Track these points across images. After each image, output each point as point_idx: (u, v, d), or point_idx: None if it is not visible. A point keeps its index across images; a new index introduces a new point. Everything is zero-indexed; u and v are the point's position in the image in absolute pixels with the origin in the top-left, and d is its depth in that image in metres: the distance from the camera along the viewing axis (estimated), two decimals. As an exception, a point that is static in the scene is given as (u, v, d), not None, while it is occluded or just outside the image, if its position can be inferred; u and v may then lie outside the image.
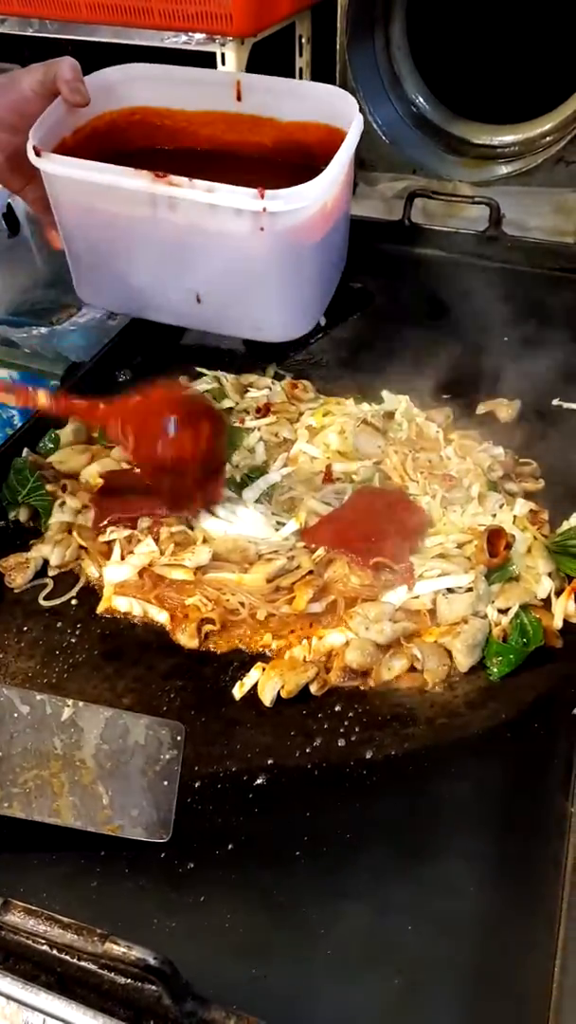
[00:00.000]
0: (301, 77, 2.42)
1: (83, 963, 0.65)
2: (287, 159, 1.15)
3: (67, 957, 0.65)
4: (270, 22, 2.11)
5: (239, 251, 1.13)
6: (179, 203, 1.10)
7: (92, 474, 1.15)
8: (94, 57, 2.48)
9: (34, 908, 0.65)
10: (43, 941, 0.65)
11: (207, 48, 2.08)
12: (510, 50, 1.72)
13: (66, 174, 1.15)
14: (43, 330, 2.38)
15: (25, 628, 1.01)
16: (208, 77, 1.43)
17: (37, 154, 1.15)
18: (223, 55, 2.06)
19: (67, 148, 1.23)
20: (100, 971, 0.65)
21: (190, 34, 2.07)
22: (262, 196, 1.06)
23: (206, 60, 2.11)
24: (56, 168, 1.15)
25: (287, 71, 2.39)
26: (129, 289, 1.29)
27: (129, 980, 0.64)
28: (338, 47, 1.74)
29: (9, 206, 2.16)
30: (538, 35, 1.70)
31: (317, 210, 1.13)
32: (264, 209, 1.06)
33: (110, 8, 2.06)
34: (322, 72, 2.12)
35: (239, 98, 1.42)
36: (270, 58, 2.22)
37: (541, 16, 1.68)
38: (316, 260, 1.21)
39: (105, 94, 1.34)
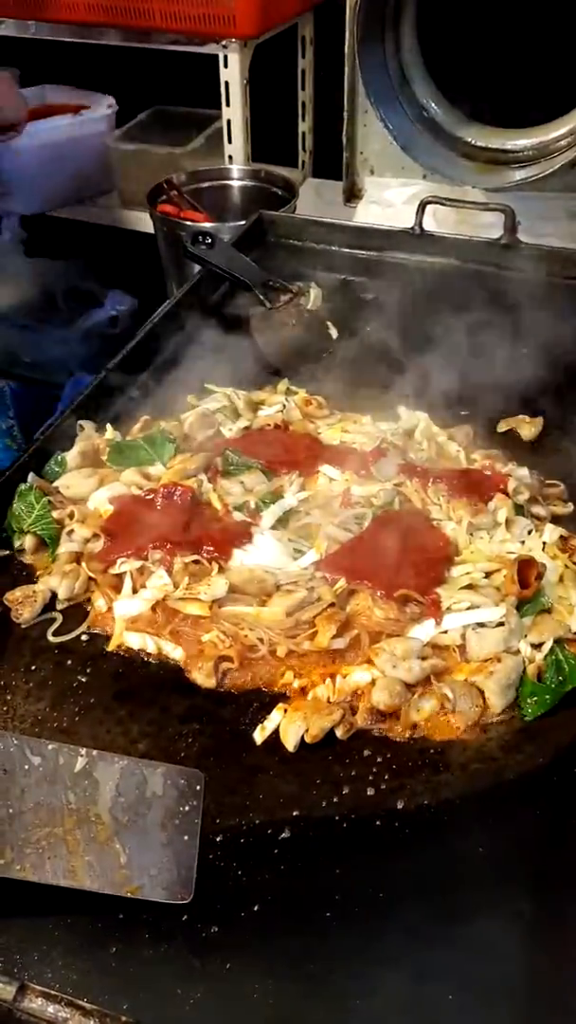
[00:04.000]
0: (303, 79, 2.38)
1: (105, 1048, 0.61)
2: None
3: (88, 1043, 0.61)
4: (273, 23, 2.07)
5: None
6: None
7: (101, 500, 1.10)
8: (93, 59, 2.44)
9: (53, 993, 0.60)
10: (62, 1028, 0.61)
11: (209, 50, 2.03)
12: (523, 53, 1.67)
13: None
14: (43, 339, 2.35)
15: (33, 667, 0.96)
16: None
17: None
18: (226, 57, 2.02)
19: None
20: (123, 1057, 0.60)
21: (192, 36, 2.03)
22: None
23: (209, 62, 2.06)
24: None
25: (290, 72, 2.35)
26: None
27: (155, 1068, 0.60)
28: (347, 49, 1.69)
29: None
30: (552, 37, 1.65)
31: None
32: None
33: (110, 10, 2.01)
34: (329, 74, 2.08)
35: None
36: (273, 59, 2.18)
37: (555, 18, 1.63)
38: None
39: None
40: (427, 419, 1.25)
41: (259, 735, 0.89)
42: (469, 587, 0.99)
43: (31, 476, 1.14)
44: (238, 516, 1.09)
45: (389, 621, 0.97)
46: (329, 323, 1.52)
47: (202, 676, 0.94)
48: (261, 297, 1.49)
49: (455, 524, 1.07)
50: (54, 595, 1.03)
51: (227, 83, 2.03)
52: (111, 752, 0.84)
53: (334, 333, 1.51)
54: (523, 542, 1.05)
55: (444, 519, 1.09)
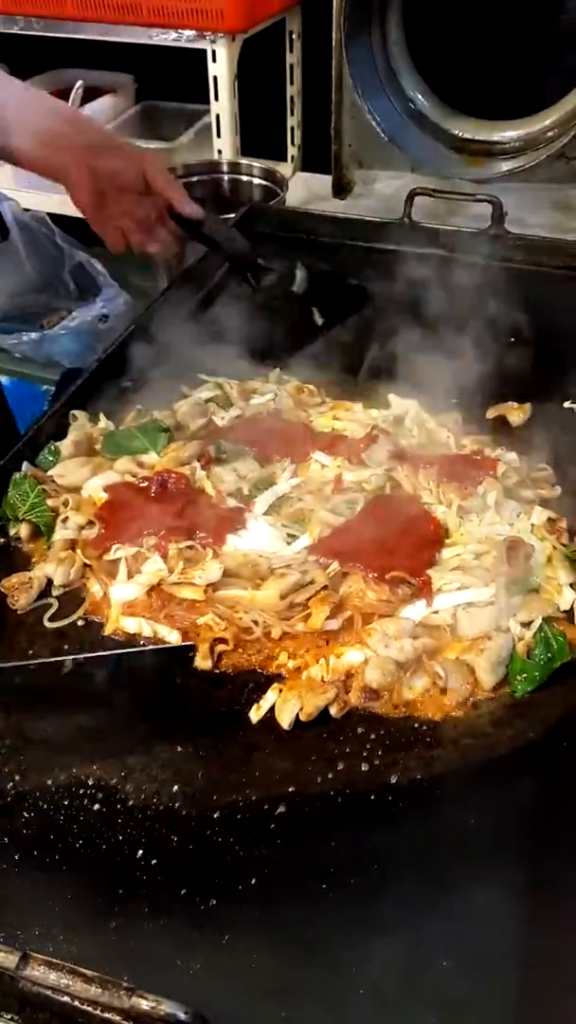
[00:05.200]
0: (291, 74, 2.39)
1: (107, 1015, 0.62)
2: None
3: (91, 1009, 0.62)
4: (261, 17, 2.08)
5: None
6: None
7: (95, 488, 1.11)
8: (81, 55, 2.45)
9: (55, 961, 0.61)
10: (65, 994, 0.62)
11: (197, 45, 2.05)
12: (510, 45, 1.69)
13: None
14: (33, 335, 2.35)
15: (30, 652, 0.98)
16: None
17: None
18: (214, 52, 2.03)
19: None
20: (124, 1023, 0.62)
21: (180, 31, 2.04)
22: None
23: (197, 57, 2.07)
24: None
25: (278, 67, 2.36)
26: None
27: (156, 1034, 0.61)
28: (334, 43, 1.70)
29: (-2, 211, 2.12)
30: (538, 29, 1.67)
31: None
32: None
33: (98, 5, 2.02)
34: (316, 68, 2.09)
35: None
36: (262, 54, 2.19)
37: (541, 10, 1.64)
38: None
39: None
40: (416, 406, 1.27)
41: (255, 714, 0.91)
42: (459, 568, 1.01)
43: (25, 465, 1.15)
44: (232, 502, 1.11)
45: (381, 602, 0.98)
46: (314, 309, 1.50)
47: (198, 658, 0.95)
48: (248, 276, 1.47)
49: (445, 508, 1.09)
50: (50, 582, 1.04)
51: (215, 77, 2.05)
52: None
53: (319, 320, 1.50)
54: (512, 524, 1.07)
55: (435, 503, 1.10)
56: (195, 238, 1.45)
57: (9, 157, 1.28)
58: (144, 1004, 0.59)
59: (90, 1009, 0.62)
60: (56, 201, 2.46)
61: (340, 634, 0.97)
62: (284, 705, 0.90)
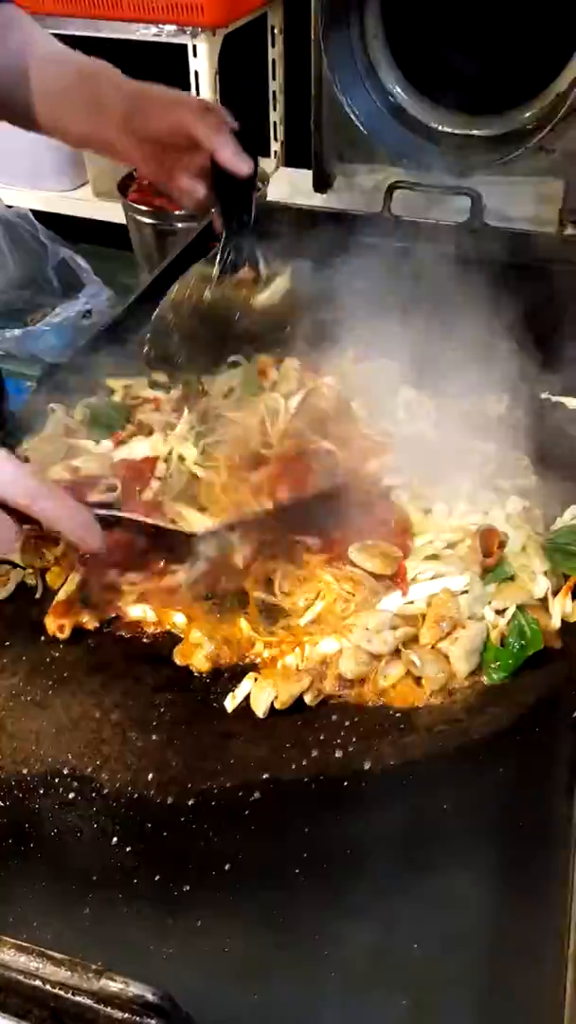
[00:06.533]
0: (274, 69, 2.39)
1: (78, 998, 0.62)
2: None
3: (61, 992, 0.62)
4: (242, 12, 2.08)
5: None
6: None
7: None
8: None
9: (25, 944, 0.62)
10: (35, 977, 0.62)
11: (178, 40, 2.05)
12: (489, 38, 1.70)
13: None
14: (17, 331, 2.35)
15: (7, 643, 0.98)
16: None
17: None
18: (195, 47, 2.03)
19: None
20: (96, 1006, 0.62)
21: (160, 26, 2.04)
22: None
23: (177, 52, 2.07)
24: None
25: (260, 63, 2.36)
26: None
27: (127, 1015, 0.61)
28: (312, 37, 1.70)
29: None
30: (517, 23, 1.67)
31: None
32: None
33: (77, 0, 2.02)
34: (297, 63, 2.09)
35: None
36: (242, 50, 2.19)
37: (520, 3, 1.65)
38: None
39: None
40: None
41: (230, 703, 0.91)
42: (433, 557, 1.01)
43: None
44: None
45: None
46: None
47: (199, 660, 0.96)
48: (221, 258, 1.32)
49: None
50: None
51: (196, 72, 2.05)
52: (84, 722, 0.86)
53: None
54: (486, 513, 1.07)
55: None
56: (219, 191, 1.23)
57: (58, 135, 1.23)
58: (113, 986, 0.60)
59: (61, 992, 0.62)
60: (38, 198, 2.47)
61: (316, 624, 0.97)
62: (259, 693, 0.90)
